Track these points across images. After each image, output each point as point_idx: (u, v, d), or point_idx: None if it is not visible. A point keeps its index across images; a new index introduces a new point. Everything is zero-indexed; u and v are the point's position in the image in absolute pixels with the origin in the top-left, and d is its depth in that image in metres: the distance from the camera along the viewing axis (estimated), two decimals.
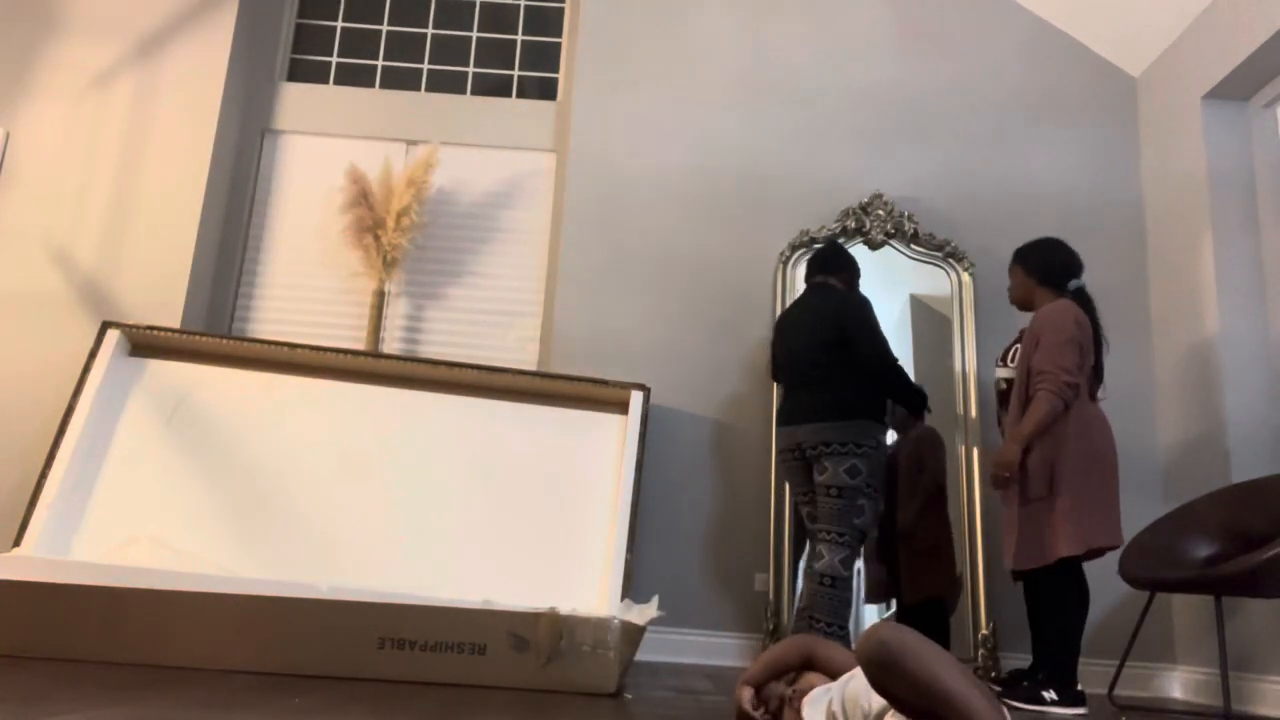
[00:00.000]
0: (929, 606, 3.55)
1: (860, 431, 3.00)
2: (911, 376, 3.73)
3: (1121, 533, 2.79)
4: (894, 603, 3.60)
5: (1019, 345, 3.24)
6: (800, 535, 3.55)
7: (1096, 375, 2.96)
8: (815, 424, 3.05)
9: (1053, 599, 2.79)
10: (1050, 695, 2.70)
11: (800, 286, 3.84)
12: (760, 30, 4.22)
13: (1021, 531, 2.83)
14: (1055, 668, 2.74)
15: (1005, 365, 3.24)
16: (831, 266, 3.33)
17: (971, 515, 3.58)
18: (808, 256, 3.87)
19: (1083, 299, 2.99)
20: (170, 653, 2.43)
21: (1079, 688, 2.75)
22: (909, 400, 3.19)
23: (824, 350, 3.10)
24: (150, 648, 2.43)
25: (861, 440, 2.99)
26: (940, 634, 3.51)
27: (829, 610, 2.93)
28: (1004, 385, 3.22)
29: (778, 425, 3.20)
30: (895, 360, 3.10)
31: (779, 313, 3.78)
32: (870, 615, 3.61)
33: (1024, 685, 2.78)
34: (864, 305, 3.16)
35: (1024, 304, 3.09)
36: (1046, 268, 3.01)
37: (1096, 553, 2.82)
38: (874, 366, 3.05)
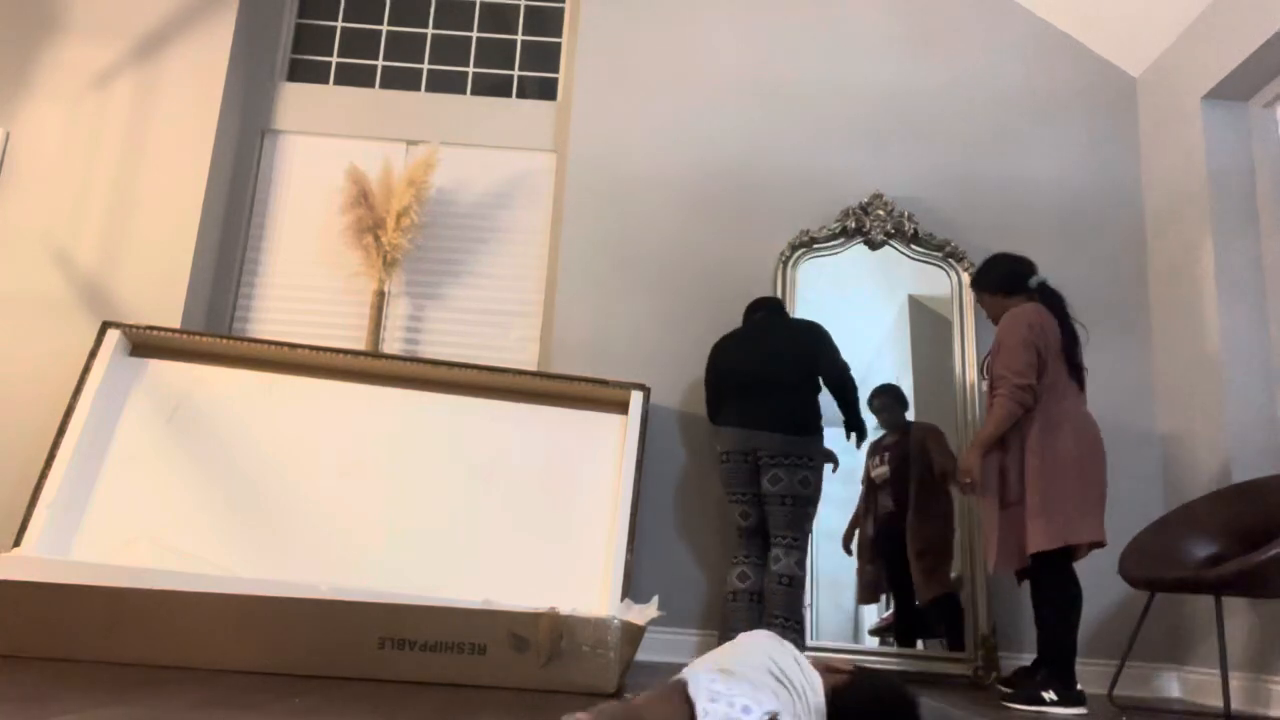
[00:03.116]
0: (944, 602, 3.55)
1: (813, 446, 3.20)
2: (910, 378, 3.77)
3: (1102, 529, 2.81)
4: (888, 600, 3.60)
5: None
6: None
7: (1074, 369, 2.95)
8: (775, 434, 3.17)
9: (1042, 600, 2.81)
10: (1050, 695, 2.71)
11: (800, 286, 3.87)
12: (760, 30, 4.22)
13: (1000, 535, 2.88)
14: (1053, 668, 2.75)
15: (985, 376, 3.30)
16: (778, 306, 3.51)
17: (971, 516, 3.58)
18: (804, 251, 3.90)
19: (1046, 294, 3.04)
20: (170, 653, 2.43)
21: (1079, 688, 2.75)
22: (858, 421, 3.31)
23: (791, 365, 3.24)
24: (150, 648, 2.43)
25: (814, 454, 3.20)
26: (955, 627, 3.51)
27: (786, 607, 3.13)
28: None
29: (728, 427, 3.27)
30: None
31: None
32: (869, 615, 3.61)
33: (1023, 687, 2.78)
34: (827, 333, 3.36)
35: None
36: (1001, 279, 3.09)
37: (1082, 550, 2.85)
38: (842, 382, 3.26)
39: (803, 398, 3.22)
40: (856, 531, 3.68)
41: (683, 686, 1.40)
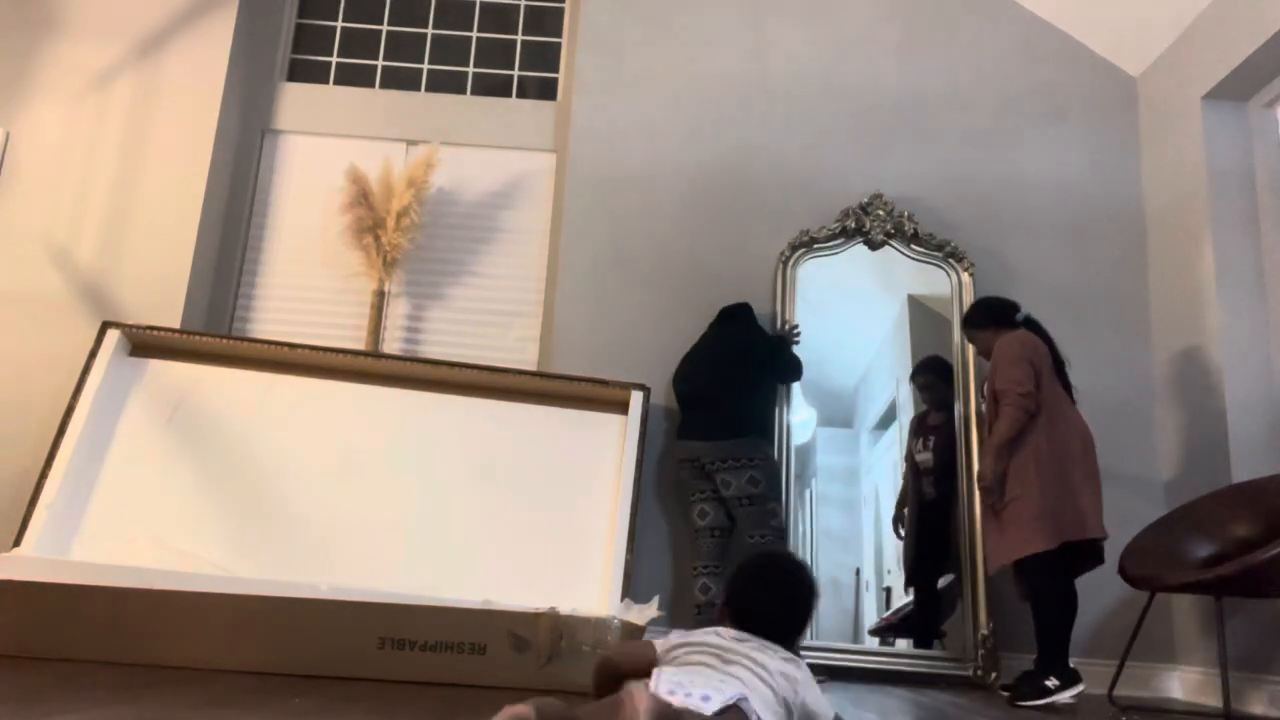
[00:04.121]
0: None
1: (751, 446, 3.28)
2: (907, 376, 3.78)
3: (1087, 526, 2.91)
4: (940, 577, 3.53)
5: None
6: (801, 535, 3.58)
7: (1065, 387, 3.12)
8: (710, 442, 3.31)
9: (1034, 594, 2.93)
10: (1052, 683, 2.83)
11: (800, 286, 3.87)
12: (760, 30, 4.21)
13: (989, 534, 3.06)
14: (1050, 656, 2.88)
15: (985, 398, 3.37)
16: (735, 310, 3.63)
17: (971, 516, 3.58)
18: (804, 251, 3.90)
19: (1031, 324, 3.22)
20: (170, 653, 2.43)
21: (1071, 666, 2.88)
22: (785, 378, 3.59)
23: (717, 375, 3.40)
24: (150, 648, 2.43)
25: (754, 454, 3.28)
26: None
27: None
28: None
29: (678, 440, 3.44)
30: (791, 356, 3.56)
31: (779, 311, 3.81)
32: (869, 615, 3.60)
33: (1028, 684, 2.87)
34: (763, 331, 3.59)
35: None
36: (992, 315, 3.25)
37: (1084, 553, 2.98)
38: (770, 360, 3.46)
39: (733, 404, 3.33)
40: (905, 512, 3.61)
41: (640, 686, 1.39)
